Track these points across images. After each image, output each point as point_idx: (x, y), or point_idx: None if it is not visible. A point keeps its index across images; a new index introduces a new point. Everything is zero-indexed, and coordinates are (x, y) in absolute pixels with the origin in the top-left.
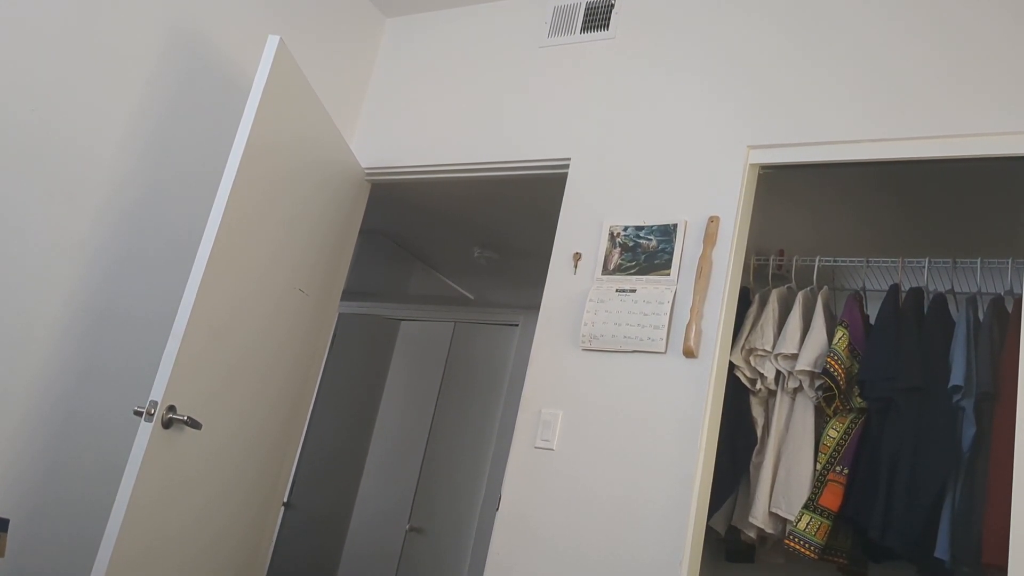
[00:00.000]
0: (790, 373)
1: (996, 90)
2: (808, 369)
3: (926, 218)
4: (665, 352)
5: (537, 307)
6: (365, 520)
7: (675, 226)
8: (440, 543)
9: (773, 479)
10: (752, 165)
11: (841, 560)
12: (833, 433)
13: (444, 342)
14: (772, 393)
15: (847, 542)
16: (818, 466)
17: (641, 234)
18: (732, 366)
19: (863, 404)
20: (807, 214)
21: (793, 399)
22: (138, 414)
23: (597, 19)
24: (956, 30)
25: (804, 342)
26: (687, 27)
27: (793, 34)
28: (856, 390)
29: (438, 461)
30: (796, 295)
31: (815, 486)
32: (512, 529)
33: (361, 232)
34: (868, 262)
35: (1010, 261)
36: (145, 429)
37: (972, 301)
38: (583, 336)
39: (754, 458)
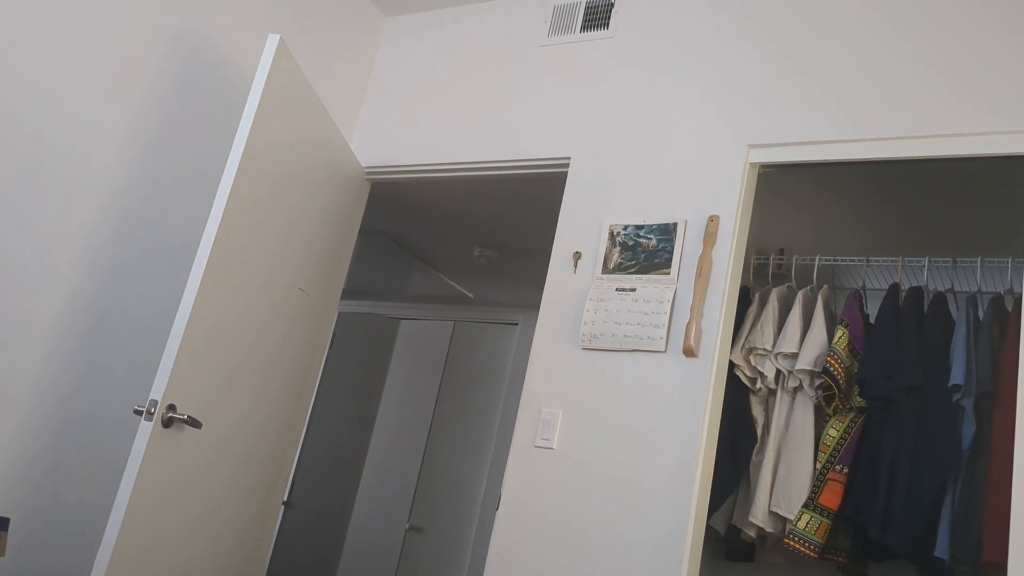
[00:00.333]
0: (790, 372)
1: (990, 91)
2: (808, 368)
3: (926, 217)
4: (665, 351)
5: (537, 306)
6: (365, 519)
7: (675, 225)
8: (440, 542)
9: (773, 478)
10: (752, 164)
11: (841, 559)
12: (833, 432)
13: (444, 341)
14: (772, 392)
15: (847, 541)
16: (818, 465)
17: (641, 233)
18: (732, 365)
19: (863, 403)
20: (807, 213)
21: (793, 398)
22: (138, 413)
23: (597, 18)
24: (951, 32)
25: (804, 341)
26: (687, 26)
27: (793, 34)
28: (856, 389)
29: (438, 460)
30: (796, 294)
31: (815, 485)
32: (512, 528)
33: (361, 231)
34: (868, 261)
35: (1010, 260)
36: (145, 428)
37: (972, 300)
38: (583, 335)
39: (754, 457)
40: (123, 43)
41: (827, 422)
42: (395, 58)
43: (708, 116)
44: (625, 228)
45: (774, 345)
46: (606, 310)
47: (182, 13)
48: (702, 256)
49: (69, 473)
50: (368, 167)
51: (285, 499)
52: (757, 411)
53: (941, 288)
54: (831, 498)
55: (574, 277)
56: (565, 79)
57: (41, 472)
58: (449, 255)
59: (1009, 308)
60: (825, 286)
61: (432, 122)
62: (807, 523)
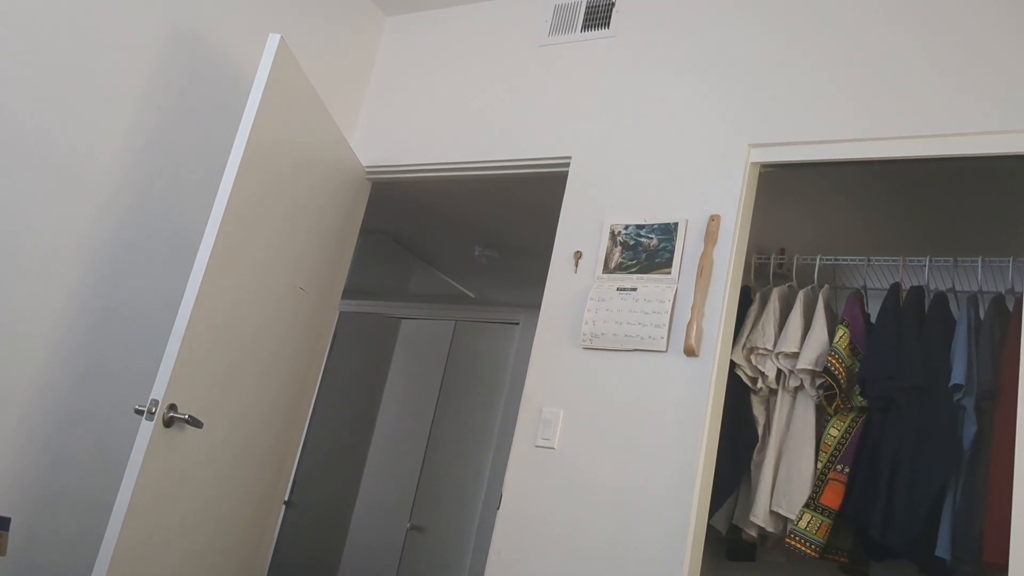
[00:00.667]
0: (791, 372)
1: (991, 90)
2: (809, 368)
3: (927, 217)
4: (666, 351)
5: (538, 306)
6: (366, 518)
7: (676, 225)
8: (441, 541)
9: (774, 478)
10: (753, 164)
11: (842, 559)
12: (834, 432)
13: (445, 341)
14: (773, 392)
15: (848, 541)
16: (819, 465)
17: (642, 233)
18: (733, 365)
19: (864, 403)
20: (808, 213)
21: (794, 398)
22: (139, 413)
23: (598, 18)
24: (953, 32)
25: (805, 341)
26: (688, 25)
27: (794, 33)
28: (857, 389)
29: (439, 459)
30: (797, 294)
31: (816, 485)
32: (513, 527)
33: (362, 231)
34: (869, 261)
35: (1011, 260)
36: (146, 428)
37: (973, 300)
38: (584, 335)
39: (755, 457)
40: (123, 41)
41: (828, 422)
42: (396, 57)
43: (709, 115)
44: (626, 227)
45: (775, 345)
46: (607, 310)
47: (183, 12)
48: (703, 255)
49: (70, 471)
50: (369, 166)
51: (286, 498)
52: (758, 411)
53: (942, 288)
54: (832, 498)
55: (575, 277)
56: (566, 78)
57: (42, 470)
58: (450, 254)
59: (1010, 308)
60: (826, 286)
61: (433, 121)
62: (808, 523)
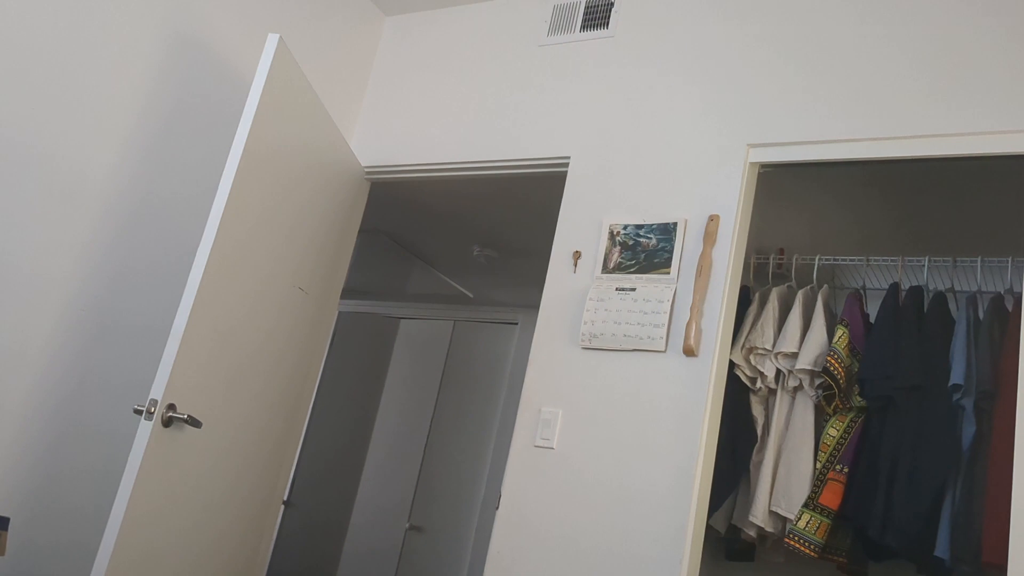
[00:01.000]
0: (790, 372)
1: (988, 91)
2: (808, 368)
3: (926, 217)
4: (665, 351)
5: (537, 306)
6: (365, 519)
7: (675, 225)
8: (440, 542)
9: (773, 478)
10: (752, 163)
11: (841, 559)
12: (833, 432)
13: (444, 341)
14: (772, 392)
15: (847, 541)
16: (818, 465)
17: (641, 233)
18: (732, 365)
19: (863, 403)
20: (807, 213)
21: (793, 398)
22: (138, 412)
23: (597, 18)
24: (950, 32)
25: (804, 341)
26: (687, 25)
27: (793, 33)
28: (856, 389)
29: (438, 460)
30: (796, 294)
31: (815, 485)
32: (512, 528)
33: (361, 231)
34: (868, 261)
35: (1010, 260)
36: (145, 427)
37: (972, 300)
38: (583, 335)
39: (754, 457)
40: (121, 45)
41: (827, 422)
42: (395, 57)
43: (708, 115)
44: (625, 227)
45: (774, 345)
46: (606, 310)
47: (182, 14)
48: (702, 255)
49: (70, 476)
50: (368, 167)
51: (285, 499)
52: (757, 411)
53: (941, 287)
54: (831, 498)
55: (574, 276)
56: (565, 78)
57: (40, 476)
58: (449, 254)
59: (1009, 307)
60: (825, 285)
61: (432, 122)
62: (807, 523)
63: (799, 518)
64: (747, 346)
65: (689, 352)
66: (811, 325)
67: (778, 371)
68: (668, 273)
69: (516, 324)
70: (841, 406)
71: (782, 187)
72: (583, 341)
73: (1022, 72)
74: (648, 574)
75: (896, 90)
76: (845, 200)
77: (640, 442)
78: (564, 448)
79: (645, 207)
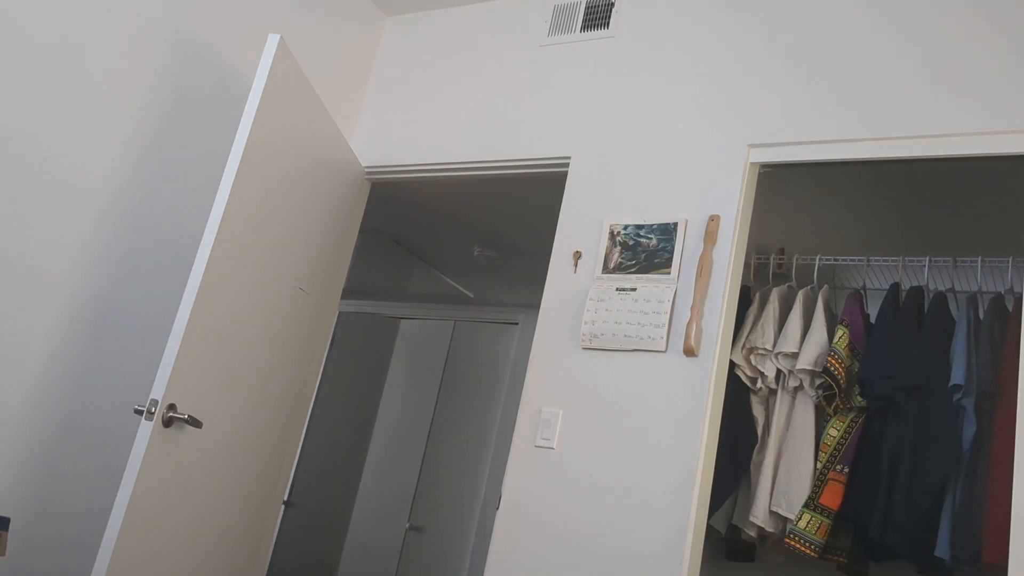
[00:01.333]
0: (790, 372)
1: (988, 91)
2: (809, 368)
3: (926, 217)
4: (665, 351)
5: (537, 306)
6: (365, 518)
7: (675, 225)
8: (440, 542)
9: (774, 478)
10: (752, 164)
11: (841, 559)
12: (833, 432)
13: (444, 341)
14: (772, 392)
15: (847, 541)
16: (818, 465)
17: (641, 233)
18: (732, 365)
19: (863, 403)
20: (808, 213)
21: (793, 398)
22: (139, 413)
23: (597, 18)
24: (951, 32)
25: (805, 341)
26: (688, 26)
27: (794, 33)
28: (856, 389)
29: (438, 460)
30: (796, 294)
31: (815, 485)
32: (513, 527)
33: (361, 231)
34: (869, 261)
35: (1010, 260)
36: (146, 428)
37: (972, 300)
38: (583, 335)
39: (754, 457)
40: (122, 45)
41: (827, 422)
42: (395, 58)
43: (708, 115)
44: (625, 228)
45: (774, 345)
46: (606, 310)
47: (181, 14)
48: (702, 256)
49: (70, 475)
50: (368, 167)
51: (285, 499)
52: (757, 411)
53: (941, 288)
54: (832, 498)
55: (574, 277)
56: (565, 78)
57: (41, 476)
58: (449, 254)
59: (1009, 308)
60: (826, 286)
61: (432, 122)
62: (808, 523)
63: (799, 518)
64: (747, 346)
65: (689, 352)
66: (811, 325)
67: (778, 371)
68: (668, 273)
69: (516, 324)
70: (841, 406)
71: (782, 187)
72: (583, 341)
73: (1022, 72)
74: (648, 574)
75: (896, 90)
76: (845, 200)
77: (640, 442)
78: (564, 448)
79: (645, 207)
